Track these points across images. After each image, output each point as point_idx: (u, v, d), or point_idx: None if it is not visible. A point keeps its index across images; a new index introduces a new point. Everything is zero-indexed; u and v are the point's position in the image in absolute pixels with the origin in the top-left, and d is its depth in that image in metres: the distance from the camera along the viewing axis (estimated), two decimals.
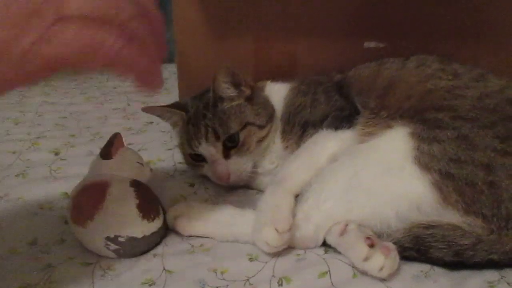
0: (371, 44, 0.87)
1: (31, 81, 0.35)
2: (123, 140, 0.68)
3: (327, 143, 0.66)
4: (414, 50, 0.79)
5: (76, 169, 0.78)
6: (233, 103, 0.71)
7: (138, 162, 0.68)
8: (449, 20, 0.88)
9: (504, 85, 0.68)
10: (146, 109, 0.76)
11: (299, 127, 0.71)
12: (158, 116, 0.78)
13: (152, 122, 1.02)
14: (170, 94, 1.14)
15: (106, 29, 0.33)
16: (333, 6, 0.85)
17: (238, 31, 0.83)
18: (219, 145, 0.69)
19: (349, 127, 0.66)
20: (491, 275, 0.53)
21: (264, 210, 0.59)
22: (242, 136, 0.70)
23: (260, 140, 0.71)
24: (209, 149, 0.70)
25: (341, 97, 0.72)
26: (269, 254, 0.57)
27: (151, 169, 0.70)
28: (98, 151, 0.83)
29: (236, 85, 0.71)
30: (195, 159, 0.74)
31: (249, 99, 0.73)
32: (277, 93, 0.76)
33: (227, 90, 0.71)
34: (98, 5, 0.33)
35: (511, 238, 0.54)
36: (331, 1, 0.85)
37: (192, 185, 0.75)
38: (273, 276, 0.54)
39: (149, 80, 0.38)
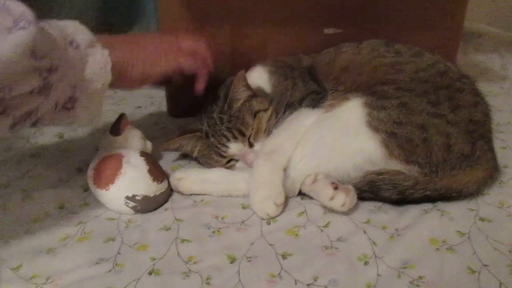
0: (330, 31, 1.00)
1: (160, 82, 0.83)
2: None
3: (307, 119, 0.77)
4: (366, 34, 0.95)
5: (82, 149, 0.90)
6: (244, 101, 0.79)
7: (142, 138, 0.81)
8: (394, 8, 1.03)
9: (436, 60, 0.83)
10: (167, 147, 0.81)
11: (283, 107, 0.80)
12: (175, 149, 0.83)
13: (140, 107, 1.14)
14: None
15: (196, 57, 0.79)
16: None
17: (216, 23, 0.94)
18: (246, 140, 0.77)
19: (323, 106, 0.79)
20: (426, 206, 0.69)
21: (262, 184, 0.70)
22: (255, 124, 0.78)
23: (269, 120, 0.79)
24: (238, 146, 0.77)
25: (314, 82, 0.84)
26: None
27: (151, 144, 0.83)
28: (96, 132, 0.96)
29: (247, 86, 0.80)
30: (225, 164, 0.80)
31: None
32: (259, 78, 0.85)
33: (243, 92, 0.79)
34: (194, 47, 0.79)
35: (440, 179, 0.70)
36: None
37: (186, 156, 0.88)
38: (262, 218, 0.69)
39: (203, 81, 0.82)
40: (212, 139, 0.78)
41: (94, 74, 0.62)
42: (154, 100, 1.18)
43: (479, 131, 0.74)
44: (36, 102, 0.54)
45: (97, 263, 0.59)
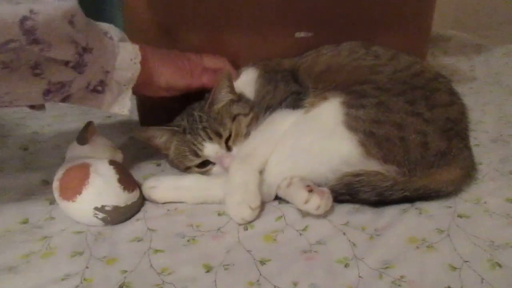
0: (301, 34, 0.99)
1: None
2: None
3: (286, 120, 0.75)
4: (337, 37, 0.94)
5: (48, 161, 0.85)
6: (224, 103, 0.78)
7: (111, 146, 0.78)
8: (365, 11, 1.04)
9: (412, 61, 0.84)
10: (137, 132, 0.80)
11: (265, 110, 0.79)
12: (146, 140, 0.79)
13: (110, 116, 1.10)
14: None
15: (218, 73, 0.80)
16: (267, 2, 0.97)
17: (187, 30, 0.92)
18: (222, 142, 0.75)
19: (303, 107, 0.77)
20: (404, 206, 0.68)
21: (236, 188, 0.67)
22: (234, 127, 0.76)
23: (249, 125, 0.77)
24: (214, 148, 0.74)
25: (296, 84, 0.82)
26: None
27: (121, 152, 0.80)
28: (63, 144, 0.92)
29: (232, 88, 0.79)
30: (200, 167, 0.77)
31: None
32: (246, 80, 0.85)
33: (225, 94, 0.78)
34: (217, 65, 0.84)
35: (419, 178, 0.69)
36: None
37: (158, 164, 0.85)
38: (239, 224, 0.66)
39: None
40: (188, 136, 0.76)
41: (125, 64, 0.68)
42: None
43: (455, 129, 0.74)
44: (71, 76, 0.60)
45: (63, 279, 0.55)
